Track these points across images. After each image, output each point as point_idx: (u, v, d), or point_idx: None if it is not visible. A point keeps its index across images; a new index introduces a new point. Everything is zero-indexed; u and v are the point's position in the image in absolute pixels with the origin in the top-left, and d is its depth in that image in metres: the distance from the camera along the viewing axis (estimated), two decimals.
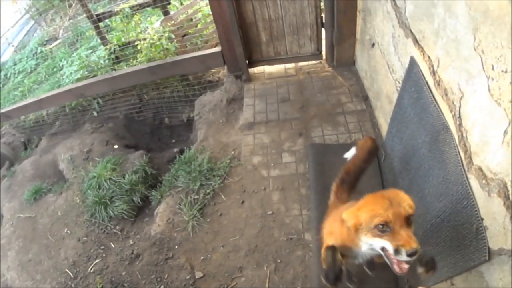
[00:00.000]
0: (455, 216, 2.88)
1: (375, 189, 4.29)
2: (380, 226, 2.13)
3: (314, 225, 4.35)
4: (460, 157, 2.80)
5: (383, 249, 2.25)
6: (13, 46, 12.81)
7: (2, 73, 11.10)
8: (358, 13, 5.78)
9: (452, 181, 2.92)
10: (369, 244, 2.29)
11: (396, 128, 4.40)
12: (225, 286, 4.27)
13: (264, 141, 5.67)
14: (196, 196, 5.19)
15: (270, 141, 5.65)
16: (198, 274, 4.44)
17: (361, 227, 2.26)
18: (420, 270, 2.45)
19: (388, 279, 3.79)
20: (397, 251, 2.11)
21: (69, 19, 11.85)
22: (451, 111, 2.93)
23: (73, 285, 4.94)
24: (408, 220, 2.14)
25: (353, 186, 3.28)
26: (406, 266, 2.21)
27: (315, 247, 4.19)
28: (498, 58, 2.22)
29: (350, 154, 3.57)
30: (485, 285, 2.56)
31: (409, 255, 2.07)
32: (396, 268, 2.25)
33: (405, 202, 2.17)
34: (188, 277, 4.46)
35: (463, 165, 2.76)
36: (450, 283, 3.09)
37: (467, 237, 2.70)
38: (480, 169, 2.53)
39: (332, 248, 2.70)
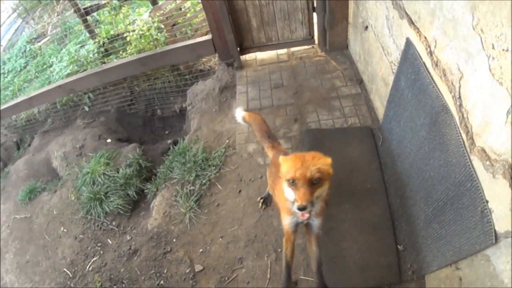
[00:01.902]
0: (459, 198, 2.84)
1: (374, 174, 4.31)
2: (290, 180, 2.61)
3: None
4: (462, 138, 2.76)
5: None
6: (1, 45, 12.70)
7: None
8: None
9: (454, 163, 2.87)
10: (286, 190, 2.79)
11: (393, 110, 4.35)
12: (226, 278, 4.22)
13: None
14: (192, 187, 5.13)
15: None
16: (198, 267, 4.39)
17: (282, 176, 2.76)
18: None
19: (390, 264, 3.78)
20: (293, 203, 2.66)
21: (57, 15, 11.75)
22: (450, 92, 2.87)
23: (72, 285, 4.91)
24: (313, 181, 2.57)
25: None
26: (306, 215, 2.74)
27: None
28: (498, 37, 2.17)
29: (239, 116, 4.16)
30: (492, 269, 2.51)
31: (298, 209, 2.58)
32: (299, 215, 2.79)
33: (315, 166, 2.57)
34: (187, 270, 4.41)
35: (465, 147, 2.71)
36: (455, 267, 3.05)
37: (472, 220, 2.66)
38: (483, 150, 2.48)
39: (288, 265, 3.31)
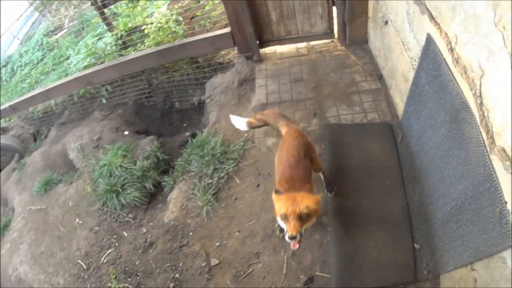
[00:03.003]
0: (477, 198, 2.80)
1: (393, 171, 4.28)
2: (283, 215, 3.17)
3: (331, 208, 4.30)
4: (482, 137, 2.70)
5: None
6: (18, 39, 12.85)
7: (9, 66, 11.10)
8: None
9: (473, 162, 2.83)
10: (280, 222, 3.35)
11: (413, 107, 4.31)
12: (242, 272, 4.21)
13: None
14: (210, 181, 5.13)
15: None
16: (214, 261, 4.39)
17: (276, 211, 3.31)
18: None
19: (406, 263, 3.75)
20: (286, 233, 3.15)
21: (74, 8, 11.80)
22: (471, 90, 2.83)
23: (86, 276, 4.93)
24: (301, 215, 3.13)
25: None
26: (296, 246, 3.23)
27: (333, 231, 4.12)
28: None
29: (242, 125, 4.62)
30: (508, 272, 2.48)
31: (289, 238, 3.10)
32: (291, 244, 3.25)
33: (303, 204, 3.13)
34: (203, 264, 4.41)
35: (485, 146, 2.66)
36: (470, 268, 3.02)
37: (490, 221, 2.62)
38: (503, 150, 2.43)
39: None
